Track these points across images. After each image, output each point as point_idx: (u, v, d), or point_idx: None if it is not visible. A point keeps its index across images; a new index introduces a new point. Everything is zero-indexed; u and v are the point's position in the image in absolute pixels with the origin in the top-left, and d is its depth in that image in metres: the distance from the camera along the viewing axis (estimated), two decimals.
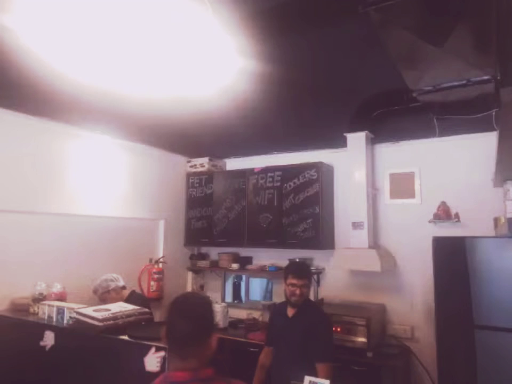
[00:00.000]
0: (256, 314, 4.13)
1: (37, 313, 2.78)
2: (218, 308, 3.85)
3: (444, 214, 3.53)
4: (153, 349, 1.98)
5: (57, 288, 3.05)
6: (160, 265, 4.24)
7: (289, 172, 4.08)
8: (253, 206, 4.25)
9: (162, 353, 1.94)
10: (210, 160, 4.73)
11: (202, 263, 4.67)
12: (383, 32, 1.80)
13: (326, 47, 2.19)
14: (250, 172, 4.33)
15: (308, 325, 2.51)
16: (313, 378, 2.01)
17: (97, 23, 1.82)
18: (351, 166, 3.73)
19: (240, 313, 4.28)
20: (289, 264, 2.92)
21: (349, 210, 3.75)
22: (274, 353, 2.66)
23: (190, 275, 4.77)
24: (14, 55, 2.13)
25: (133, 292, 3.34)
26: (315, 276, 3.93)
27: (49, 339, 2.43)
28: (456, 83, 2.32)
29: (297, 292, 2.55)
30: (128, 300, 3.00)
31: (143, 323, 2.40)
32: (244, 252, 4.53)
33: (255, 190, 4.26)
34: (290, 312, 2.63)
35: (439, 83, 2.35)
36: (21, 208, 3.12)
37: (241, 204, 4.33)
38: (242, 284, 4.70)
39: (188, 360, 1.31)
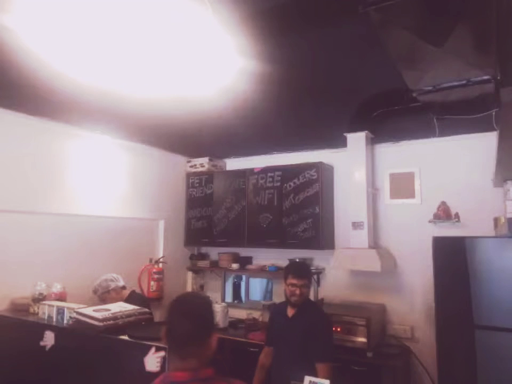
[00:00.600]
0: (256, 314, 4.13)
1: (37, 313, 2.78)
2: (218, 307, 3.85)
3: (444, 214, 3.53)
4: (153, 349, 1.98)
5: (57, 288, 3.05)
6: (160, 265, 4.24)
7: (289, 171, 4.07)
8: (253, 206, 4.25)
9: (162, 353, 1.94)
10: (210, 160, 4.73)
11: (202, 263, 4.67)
12: (383, 32, 1.80)
13: (326, 47, 2.19)
14: (250, 172, 4.33)
15: (308, 325, 2.51)
16: (313, 378, 2.01)
17: (97, 23, 1.82)
18: (351, 166, 3.73)
19: (240, 313, 4.28)
20: (289, 264, 2.92)
21: (349, 210, 3.75)
22: (274, 353, 2.66)
23: (190, 275, 4.77)
24: (14, 55, 2.13)
25: (133, 292, 3.34)
26: (315, 276, 3.93)
27: (49, 339, 2.43)
28: (456, 83, 2.32)
29: (297, 292, 2.55)
30: (128, 300, 2.99)
31: (143, 323, 2.40)
32: (244, 251, 4.53)
33: (255, 190, 4.26)
34: (290, 312, 2.63)
35: (439, 83, 2.35)
36: (21, 208, 3.12)
37: (241, 203, 4.33)
38: (242, 284, 4.69)
39: (188, 360, 1.31)
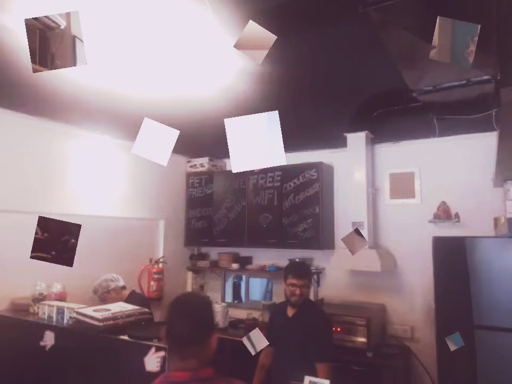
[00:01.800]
0: (256, 314, 4.13)
1: (37, 313, 2.78)
2: (218, 308, 3.85)
3: (444, 214, 3.53)
4: (153, 349, 1.98)
5: (57, 288, 3.06)
6: (160, 265, 4.24)
7: (289, 171, 4.07)
8: (253, 206, 4.25)
9: (162, 353, 1.94)
10: (210, 160, 4.73)
11: (202, 263, 4.67)
12: (383, 32, 1.80)
13: (326, 47, 2.19)
14: (250, 172, 4.32)
15: (307, 325, 2.51)
16: (313, 379, 2.01)
17: (97, 23, 1.82)
18: (351, 166, 3.73)
19: (240, 313, 4.28)
20: (289, 264, 2.92)
21: (349, 210, 3.75)
22: (274, 353, 2.66)
23: (190, 275, 4.77)
24: (14, 55, 2.13)
25: (133, 292, 3.34)
26: (315, 276, 3.93)
27: (49, 339, 2.43)
28: (456, 83, 2.32)
29: (297, 291, 2.55)
30: (128, 300, 3.00)
31: (143, 323, 2.40)
32: (244, 251, 4.53)
33: (255, 190, 4.26)
34: (290, 312, 2.63)
35: (439, 83, 2.35)
36: (21, 208, 3.11)
37: (241, 204, 4.33)
38: (242, 284, 4.70)
39: (188, 360, 1.31)
